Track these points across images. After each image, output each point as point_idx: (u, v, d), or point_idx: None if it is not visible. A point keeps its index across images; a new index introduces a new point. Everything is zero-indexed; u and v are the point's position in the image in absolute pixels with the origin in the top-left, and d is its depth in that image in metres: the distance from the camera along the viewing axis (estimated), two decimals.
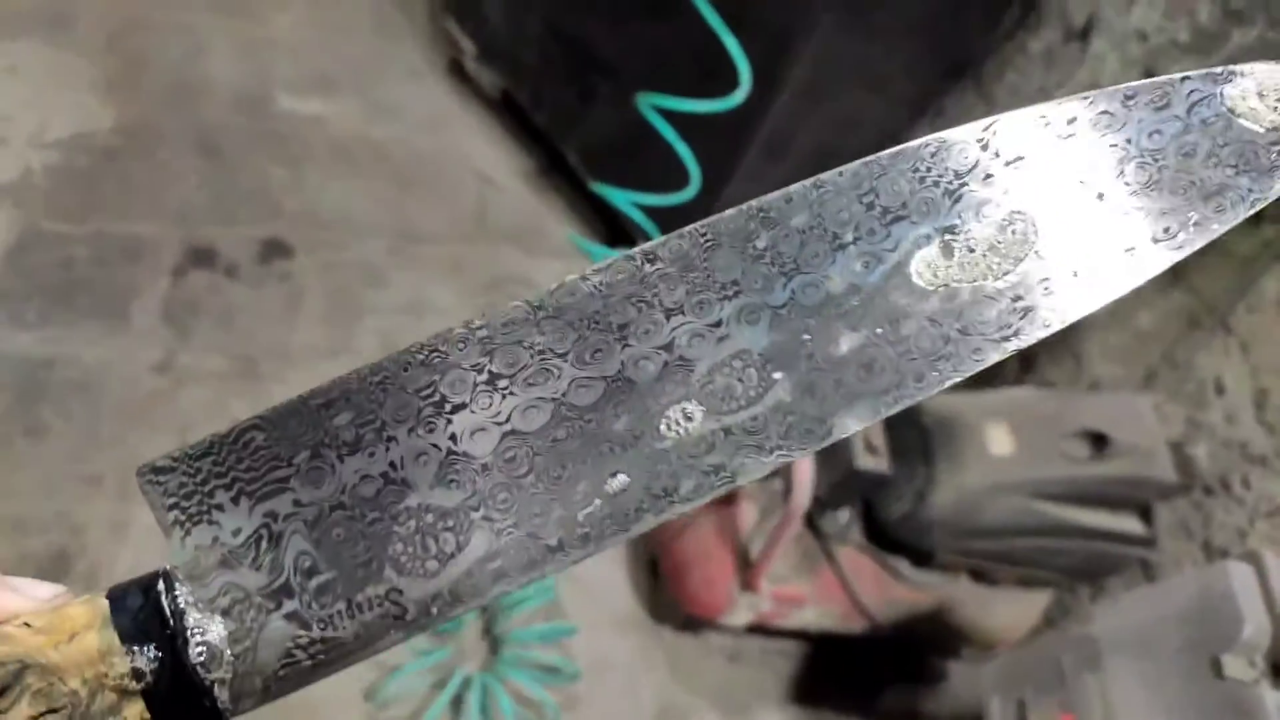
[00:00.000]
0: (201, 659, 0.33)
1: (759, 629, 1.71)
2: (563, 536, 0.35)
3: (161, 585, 0.33)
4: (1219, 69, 0.37)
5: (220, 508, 0.34)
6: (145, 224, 2.05)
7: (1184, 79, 0.37)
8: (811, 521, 1.59)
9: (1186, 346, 1.70)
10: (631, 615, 1.81)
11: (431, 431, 0.35)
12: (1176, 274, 1.74)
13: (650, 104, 1.68)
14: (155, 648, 0.32)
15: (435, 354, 0.35)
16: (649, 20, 1.90)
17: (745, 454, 0.35)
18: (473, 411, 0.35)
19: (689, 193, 1.78)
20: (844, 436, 0.36)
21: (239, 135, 2.26)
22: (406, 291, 2.13)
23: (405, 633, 0.34)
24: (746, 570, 1.58)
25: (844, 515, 1.59)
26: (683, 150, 1.71)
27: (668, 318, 0.35)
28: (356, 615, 0.34)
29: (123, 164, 2.14)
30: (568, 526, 0.35)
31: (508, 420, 0.35)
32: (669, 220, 1.93)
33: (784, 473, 1.52)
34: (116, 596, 0.33)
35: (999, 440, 1.48)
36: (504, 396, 0.35)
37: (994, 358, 0.36)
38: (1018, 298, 0.36)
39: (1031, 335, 0.36)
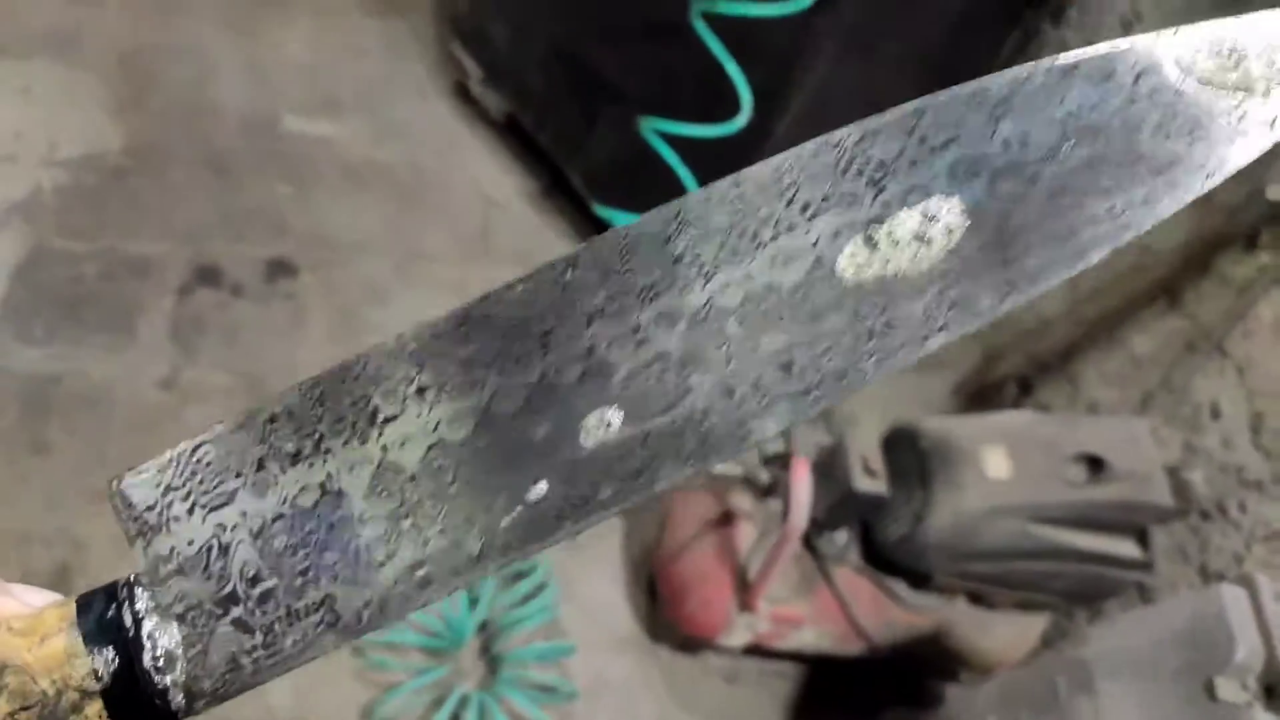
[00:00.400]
0: (157, 663, 0.34)
1: (757, 650, 1.71)
2: (485, 544, 0.35)
3: (124, 592, 0.35)
4: (1171, 29, 0.34)
5: (177, 519, 0.35)
6: (153, 242, 2.07)
7: (1129, 46, 0.34)
8: (809, 543, 1.60)
9: (1183, 371, 1.71)
10: (630, 635, 1.81)
11: (365, 443, 0.35)
12: (1173, 299, 1.76)
13: (653, 128, 1.71)
14: (114, 651, 0.34)
15: (370, 366, 0.35)
16: (653, 46, 1.93)
17: (664, 459, 0.35)
18: (402, 422, 0.35)
19: None
20: (763, 439, 0.35)
21: (247, 155, 2.29)
22: (411, 311, 2.14)
23: (338, 638, 0.35)
24: (744, 591, 1.59)
25: (842, 537, 1.60)
26: (684, 174, 1.73)
27: (587, 323, 0.35)
28: (295, 622, 0.35)
29: (131, 183, 2.16)
30: (490, 534, 0.35)
31: (435, 430, 0.35)
32: None
33: (782, 493, 1.53)
34: (84, 602, 0.35)
35: (996, 464, 1.49)
36: (431, 407, 0.35)
37: (919, 353, 0.35)
38: (944, 289, 0.34)
39: (961, 329, 0.35)
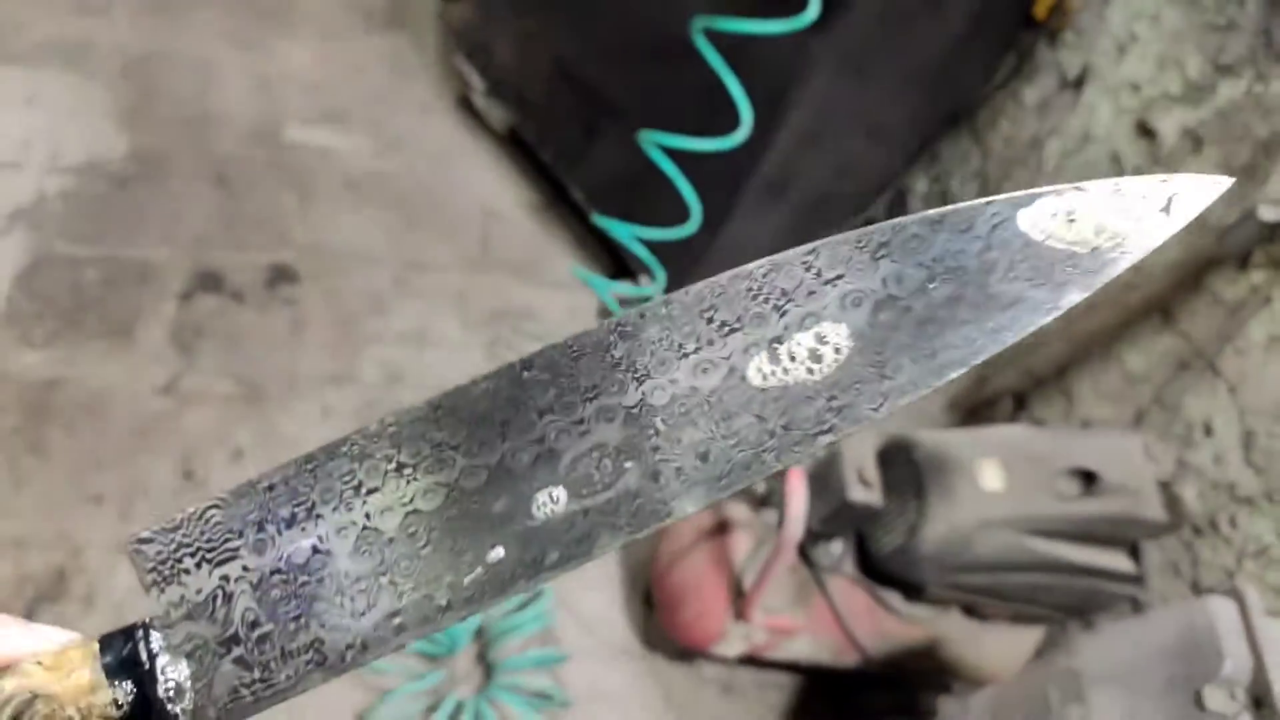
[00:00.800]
0: (169, 694, 0.39)
1: (752, 660, 1.72)
2: (451, 598, 0.41)
3: (140, 633, 0.40)
4: (1019, 193, 0.41)
5: (187, 571, 0.41)
6: (155, 249, 2.09)
7: (987, 204, 0.42)
8: (804, 553, 1.61)
9: (1176, 388, 1.73)
10: (625, 645, 1.82)
11: (350, 510, 0.41)
12: (1166, 317, 1.78)
13: (653, 141, 1.73)
14: (132, 683, 0.39)
15: (355, 445, 0.41)
16: (655, 61, 1.95)
17: (601, 530, 0.41)
18: (383, 494, 0.41)
19: (690, 228, 1.82)
20: (682, 517, 0.42)
21: (250, 165, 2.31)
22: (410, 321, 2.16)
23: (325, 674, 0.40)
24: (740, 601, 1.60)
25: (837, 547, 1.61)
26: (684, 187, 1.75)
27: (540, 416, 0.41)
28: (288, 660, 0.40)
29: (135, 190, 2.18)
30: (456, 589, 0.41)
31: (411, 501, 0.41)
32: (670, 254, 1.97)
33: (777, 504, 1.54)
34: (105, 641, 0.40)
35: (991, 476, 1.50)
36: (409, 481, 0.41)
37: (810, 450, 0.41)
38: (833, 397, 0.41)
39: (845, 429, 0.41)
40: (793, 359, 0.41)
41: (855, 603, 1.62)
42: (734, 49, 1.71)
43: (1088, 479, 1.49)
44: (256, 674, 0.40)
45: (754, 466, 0.41)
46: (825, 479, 1.53)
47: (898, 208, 2.60)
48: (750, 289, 0.42)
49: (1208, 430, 1.65)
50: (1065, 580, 1.53)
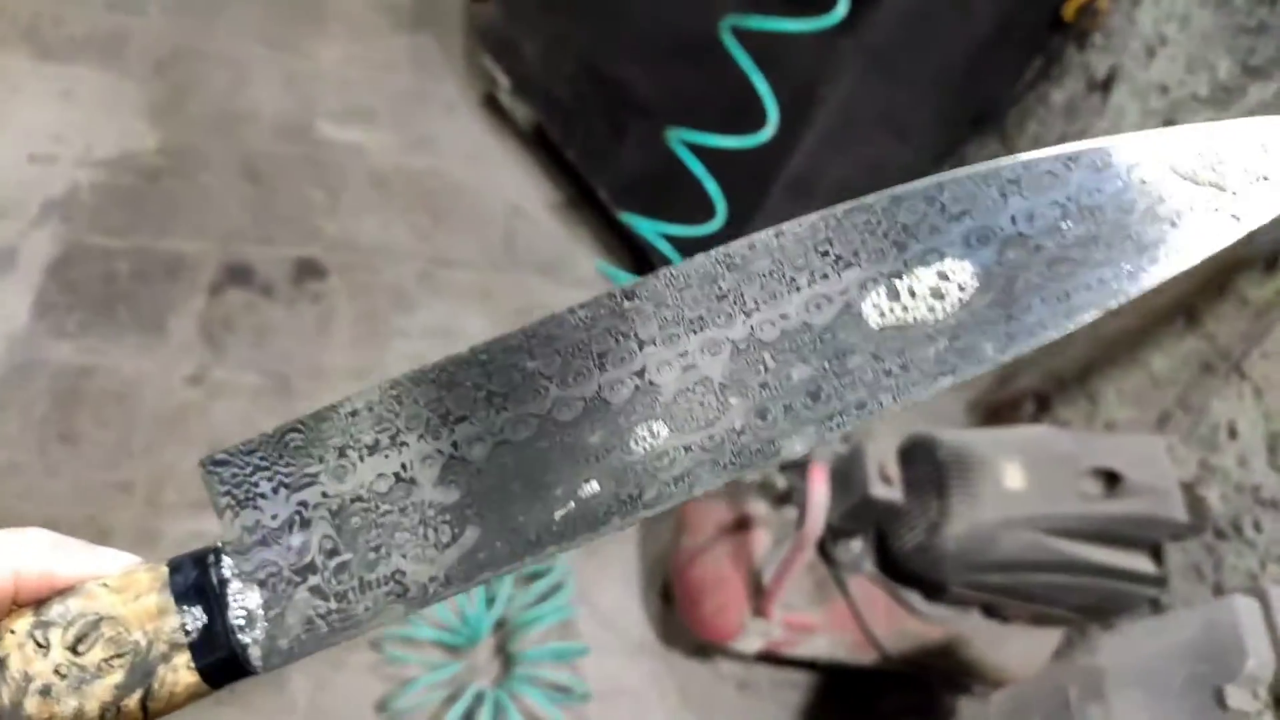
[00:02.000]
0: (240, 622, 0.38)
1: (770, 657, 1.72)
2: (540, 533, 0.39)
3: (212, 558, 0.39)
4: (1156, 132, 0.40)
5: (263, 495, 0.39)
6: (185, 242, 2.12)
7: (1125, 141, 0.40)
8: (824, 550, 1.61)
9: (1200, 391, 1.72)
10: (643, 639, 1.82)
11: (437, 439, 0.40)
12: (1191, 319, 1.77)
13: (680, 138, 1.74)
14: (202, 609, 0.38)
15: (444, 373, 0.40)
16: (682, 59, 1.96)
17: (703, 468, 0.39)
18: (472, 423, 0.40)
19: (715, 225, 1.82)
20: (791, 457, 0.40)
21: (280, 161, 2.34)
22: (436, 317, 2.18)
23: (405, 608, 0.39)
24: (759, 597, 1.60)
25: (857, 545, 1.61)
26: (710, 185, 1.76)
27: (640, 348, 0.40)
28: (367, 591, 0.39)
29: (166, 184, 2.21)
30: (545, 525, 0.39)
31: (500, 431, 0.40)
32: (695, 251, 1.98)
33: (798, 500, 1.54)
34: (175, 565, 0.39)
35: (1013, 475, 1.50)
36: (498, 411, 0.40)
37: (930, 391, 0.40)
38: (955, 338, 0.40)
39: (967, 373, 0.40)
40: (913, 296, 0.40)
41: (875, 601, 1.62)
42: (762, 47, 1.72)
43: (1111, 480, 1.49)
44: (333, 604, 0.38)
45: (868, 406, 0.39)
46: (847, 476, 1.53)
47: None
48: (869, 222, 0.40)
49: (1232, 433, 1.64)
50: (1086, 581, 1.53)
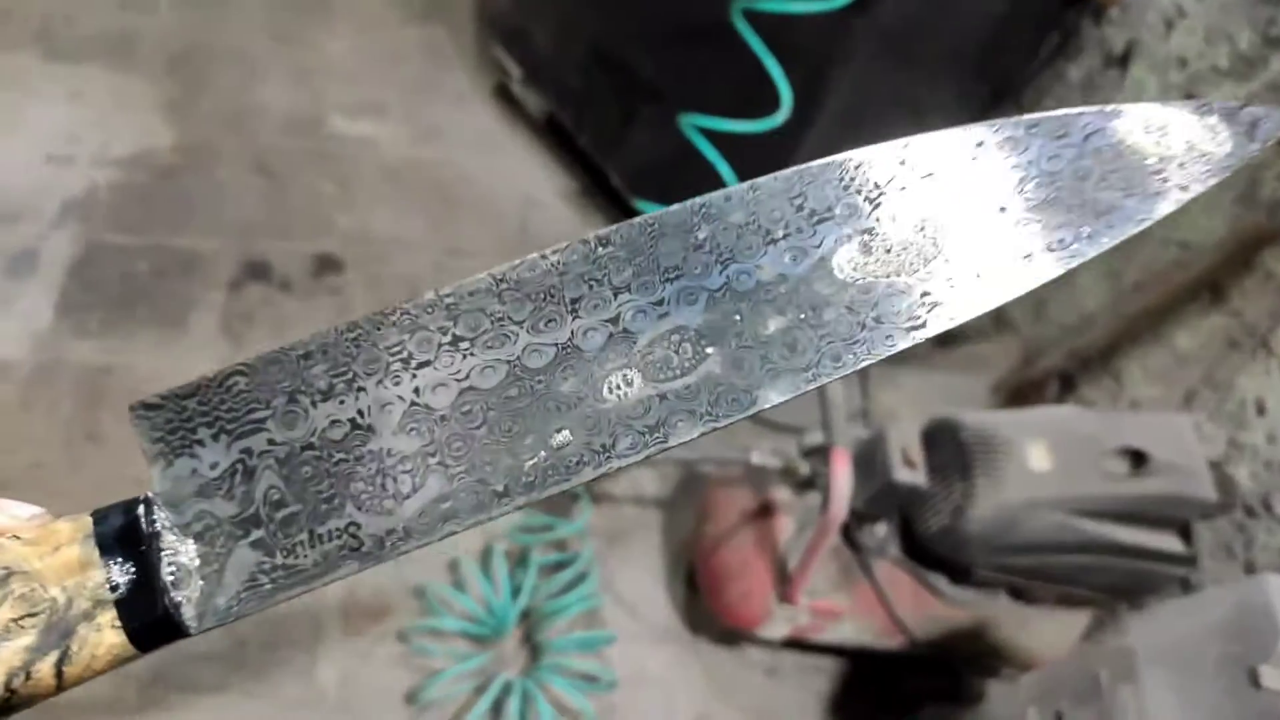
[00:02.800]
0: (172, 577, 0.35)
1: (796, 643, 1.72)
2: (509, 483, 0.37)
3: (141, 509, 0.36)
4: (1109, 107, 0.42)
5: (201, 443, 0.36)
6: (203, 239, 2.12)
7: (1080, 113, 0.42)
8: (849, 535, 1.61)
9: (1227, 367, 1.70)
10: (669, 627, 1.83)
11: (397, 384, 0.37)
12: (1217, 295, 1.75)
13: (692, 124, 1.72)
14: (130, 564, 0.35)
15: (406, 316, 0.38)
16: (693, 44, 1.95)
17: (678, 418, 0.39)
18: (435, 368, 0.38)
19: None
20: (766, 407, 0.39)
21: (293, 155, 2.34)
22: None
23: (360, 563, 0.36)
24: (784, 583, 1.60)
25: (881, 529, 1.61)
26: (724, 169, 1.75)
27: (615, 295, 0.39)
28: (317, 545, 0.36)
29: (182, 181, 2.22)
30: (514, 474, 0.38)
31: (466, 378, 0.38)
32: None
33: (821, 486, 1.53)
34: (100, 516, 0.35)
35: (1038, 457, 1.48)
36: (464, 356, 0.38)
37: (902, 344, 0.40)
38: (925, 293, 0.40)
39: (936, 326, 0.40)
40: (887, 251, 0.40)
41: (900, 585, 1.62)
42: (773, 29, 1.70)
43: (1137, 459, 1.47)
44: (279, 559, 0.36)
45: (843, 359, 0.40)
46: (870, 460, 1.52)
47: None
48: (841, 178, 0.41)
49: (1260, 409, 1.62)
50: (1114, 561, 1.52)
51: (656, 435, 0.38)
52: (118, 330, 1.94)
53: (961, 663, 1.79)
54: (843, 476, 1.43)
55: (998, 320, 2.33)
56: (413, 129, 2.48)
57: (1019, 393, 2.13)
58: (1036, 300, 2.23)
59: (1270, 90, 1.72)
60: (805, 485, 1.67)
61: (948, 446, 1.53)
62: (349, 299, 2.11)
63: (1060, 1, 2.07)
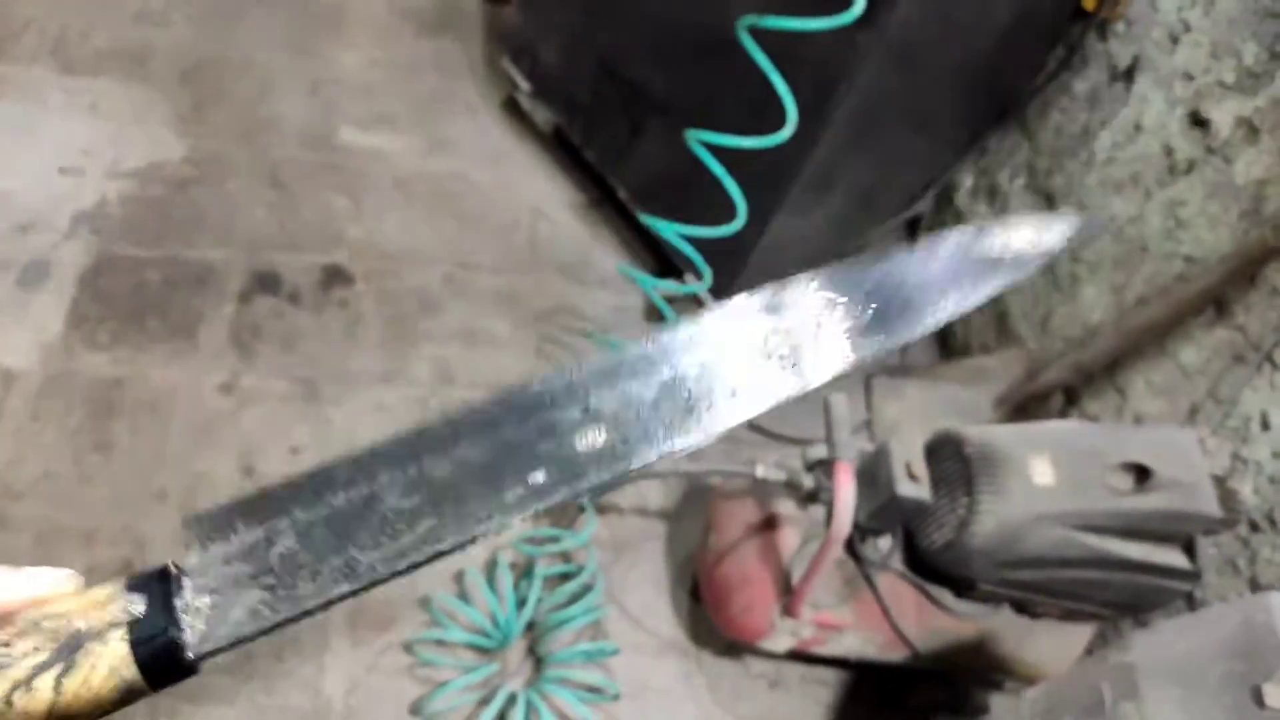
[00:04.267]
0: (185, 616, 0.38)
1: (799, 655, 1.72)
2: (492, 511, 0.42)
3: (174, 573, 0.39)
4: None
5: (235, 530, 0.40)
6: (214, 250, 2.14)
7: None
8: (852, 549, 1.61)
9: (1231, 382, 1.70)
10: (673, 639, 1.83)
11: (404, 471, 0.42)
12: (1221, 310, 1.75)
13: (699, 139, 1.73)
14: (148, 595, 0.38)
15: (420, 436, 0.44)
16: (699, 60, 1.96)
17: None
18: (437, 458, 0.42)
19: (736, 225, 1.82)
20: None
21: (304, 168, 2.36)
22: (461, 319, 2.19)
23: (352, 586, 0.40)
24: (788, 596, 1.60)
25: (885, 543, 1.61)
26: (730, 184, 1.76)
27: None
28: (316, 579, 0.40)
29: (193, 193, 2.24)
30: (496, 504, 0.42)
31: (463, 459, 0.43)
32: (716, 251, 1.98)
33: (825, 499, 1.54)
34: (134, 582, 0.39)
35: (1041, 471, 1.49)
36: (458, 447, 0.43)
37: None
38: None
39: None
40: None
41: (904, 599, 1.62)
42: (779, 46, 1.71)
43: (1141, 474, 1.47)
44: (280, 593, 0.39)
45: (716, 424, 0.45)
46: (874, 474, 1.53)
47: (944, 202, 2.58)
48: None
49: (1265, 424, 1.62)
50: (1118, 576, 1.52)
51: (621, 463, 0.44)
52: (128, 341, 1.96)
53: (964, 676, 1.79)
54: (847, 491, 1.44)
55: (1002, 333, 2.33)
56: (423, 142, 2.50)
57: (1023, 406, 2.13)
58: (1041, 314, 2.23)
59: (1275, 105, 1.73)
60: (809, 498, 1.67)
61: (951, 460, 1.54)
62: (359, 311, 2.13)
63: (1065, 16, 2.07)
